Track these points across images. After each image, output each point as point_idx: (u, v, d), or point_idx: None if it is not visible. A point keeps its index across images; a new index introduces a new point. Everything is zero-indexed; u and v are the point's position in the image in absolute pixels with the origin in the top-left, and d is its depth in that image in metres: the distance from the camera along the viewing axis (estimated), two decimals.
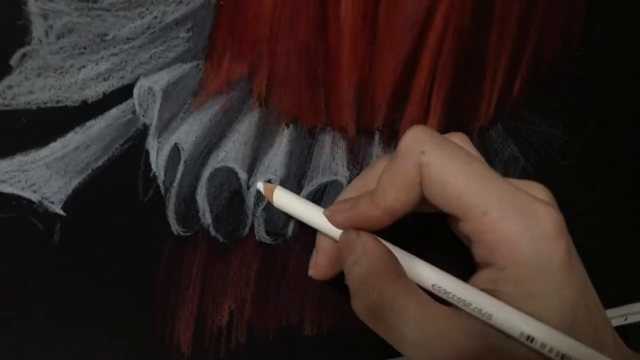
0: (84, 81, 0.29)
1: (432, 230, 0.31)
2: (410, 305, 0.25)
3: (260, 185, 0.31)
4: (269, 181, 0.33)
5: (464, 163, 0.26)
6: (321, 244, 0.31)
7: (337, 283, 0.33)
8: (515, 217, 0.25)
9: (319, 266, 0.32)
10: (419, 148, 0.26)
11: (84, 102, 0.29)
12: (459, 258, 0.30)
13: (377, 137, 0.34)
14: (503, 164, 0.36)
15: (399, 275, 0.27)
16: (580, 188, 0.39)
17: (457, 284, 0.27)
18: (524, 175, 0.37)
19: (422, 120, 0.34)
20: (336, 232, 0.29)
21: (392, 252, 0.28)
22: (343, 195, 0.31)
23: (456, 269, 0.28)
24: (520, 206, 0.25)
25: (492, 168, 0.27)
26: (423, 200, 0.27)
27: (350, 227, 0.28)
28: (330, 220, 0.29)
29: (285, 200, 0.31)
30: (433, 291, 0.27)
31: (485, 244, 0.25)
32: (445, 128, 0.34)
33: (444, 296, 0.27)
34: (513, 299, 0.25)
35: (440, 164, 0.26)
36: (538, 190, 0.27)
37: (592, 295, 0.26)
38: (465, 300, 0.26)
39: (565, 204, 0.38)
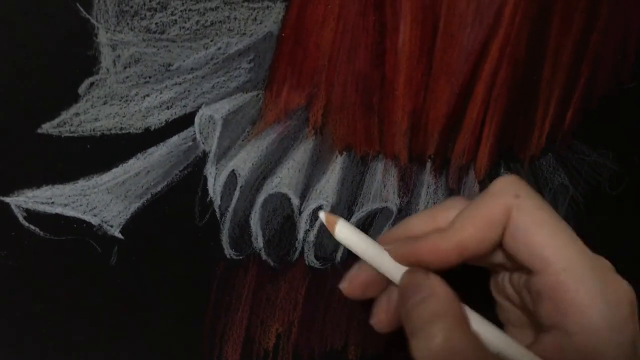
0: (147, 109, 0.29)
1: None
2: (475, 356, 0.24)
3: (322, 215, 0.30)
4: (320, 207, 0.34)
5: (553, 217, 0.26)
6: (364, 265, 0.30)
7: None
8: (594, 281, 0.24)
9: (354, 283, 0.30)
10: (513, 190, 0.26)
11: (147, 130, 0.30)
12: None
13: (428, 165, 0.34)
14: (553, 193, 0.36)
15: (466, 322, 0.26)
16: (629, 218, 0.38)
17: (523, 354, 0.26)
18: (573, 204, 0.37)
19: (474, 149, 0.34)
20: (396, 274, 0.28)
21: (460, 300, 0.27)
22: (406, 224, 0.30)
23: None
24: (600, 272, 0.25)
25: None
26: (499, 242, 0.26)
27: (412, 262, 0.27)
28: (391, 254, 0.28)
29: (346, 234, 0.29)
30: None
31: (557, 303, 0.25)
32: (496, 157, 0.35)
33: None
34: None
35: (532, 211, 0.25)
36: (606, 263, 0.27)
37: None
38: None
39: (613, 233, 0.38)
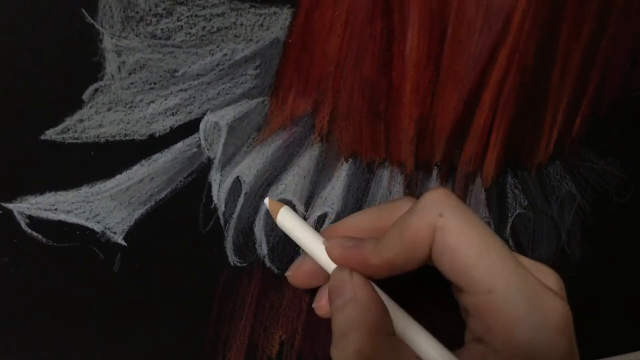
0: (152, 116, 0.29)
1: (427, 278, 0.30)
2: None
3: (266, 201, 0.30)
4: (325, 214, 0.33)
5: (480, 235, 0.24)
6: (309, 256, 0.30)
7: None
8: (520, 302, 0.24)
9: (298, 272, 0.31)
10: (437, 209, 0.25)
11: (151, 136, 0.29)
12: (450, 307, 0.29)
13: (435, 172, 0.34)
14: (560, 201, 0.36)
15: (384, 331, 0.25)
16: (636, 226, 0.38)
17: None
18: (580, 212, 0.37)
19: (481, 156, 0.34)
20: (331, 267, 0.28)
21: (383, 304, 0.26)
22: (353, 219, 0.30)
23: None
24: (527, 292, 0.24)
25: (506, 244, 0.25)
26: (428, 260, 0.26)
27: (345, 265, 0.27)
28: (328, 252, 0.28)
29: (288, 221, 0.30)
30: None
31: (483, 322, 0.24)
32: (503, 165, 0.34)
33: None
34: None
35: (455, 230, 0.24)
36: (549, 277, 0.26)
37: None
38: None
39: (620, 241, 0.38)
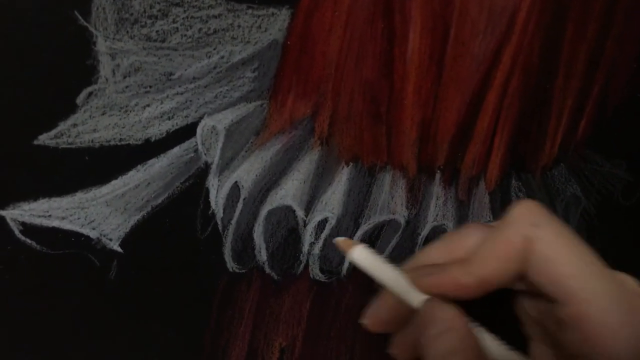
0: (148, 120, 0.28)
1: None
2: None
3: (335, 241, 0.29)
4: (325, 220, 0.33)
5: (575, 245, 0.25)
6: (384, 296, 0.29)
7: None
8: (620, 310, 0.24)
9: (375, 318, 0.30)
10: (531, 220, 0.25)
11: (147, 141, 0.29)
12: None
13: (437, 176, 0.33)
14: (565, 204, 0.35)
15: (482, 356, 0.26)
16: None
17: None
18: (585, 215, 0.36)
19: (485, 159, 0.33)
20: (415, 299, 0.27)
21: (474, 332, 0.27)
22: (422, 255, 0.29)
23: None
24: (626, 300, 0.24)
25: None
26: (520, 273, 0.26)
27: (435, 293, 0.27)
28: (415, 283, 0.27)
29: (365, 260, 0.29)
30: None
31: (582, 332, 0.24)
32: (507, 167, 0.34)
33: None
34: None
35: (552, 239, 0.25)
36: (634, 283, 0.26)
37: None
38: None
39: (626, 245, 0.37)
